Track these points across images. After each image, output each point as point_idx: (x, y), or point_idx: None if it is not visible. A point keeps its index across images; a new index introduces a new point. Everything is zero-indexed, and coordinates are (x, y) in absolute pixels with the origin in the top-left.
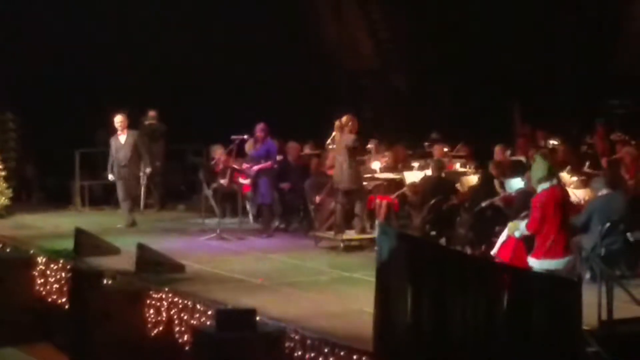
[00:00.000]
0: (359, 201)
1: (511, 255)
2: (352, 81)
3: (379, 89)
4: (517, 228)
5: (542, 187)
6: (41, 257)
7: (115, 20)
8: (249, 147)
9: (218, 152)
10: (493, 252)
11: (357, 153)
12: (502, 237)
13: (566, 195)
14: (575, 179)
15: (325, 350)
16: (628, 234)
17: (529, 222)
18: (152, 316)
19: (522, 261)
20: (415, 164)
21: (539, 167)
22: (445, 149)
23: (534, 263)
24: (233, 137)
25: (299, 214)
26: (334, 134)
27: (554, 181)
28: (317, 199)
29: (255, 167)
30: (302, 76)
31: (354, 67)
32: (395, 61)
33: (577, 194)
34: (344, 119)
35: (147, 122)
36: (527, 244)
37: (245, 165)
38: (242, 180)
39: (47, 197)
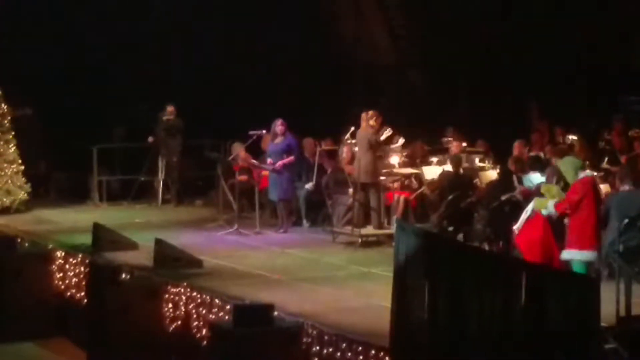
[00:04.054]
0: (375, 196)
1: (542, 234)
2: (369, 77)
3: (396, 85)
4: (545, 206)
5: (582, 174)
6: (59, 252)
7: (133, 16)
8: (265, 143)
9: (238, 149)
10: (516, 227)
11: (376, 148)
12: (527, 213)
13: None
14: (594, 174)
15: (343, 345)
16: None
17: (560, 202)
18: (170, 311)
19: (551, 241)
20: (434, 159)
21: (572, 161)
22: (464, 144)
23: (575, 255)
24: (251, 132)
25: (317, 210)
26: (352, 129)
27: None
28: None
29: (280, 163)
30: (319, 72)
31: (371, 63)
32: (413, 57)
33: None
34: (370, 112)
35: (165, 118)
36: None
37: (269, 161)
38: (263, 173)
39: (65, 192)
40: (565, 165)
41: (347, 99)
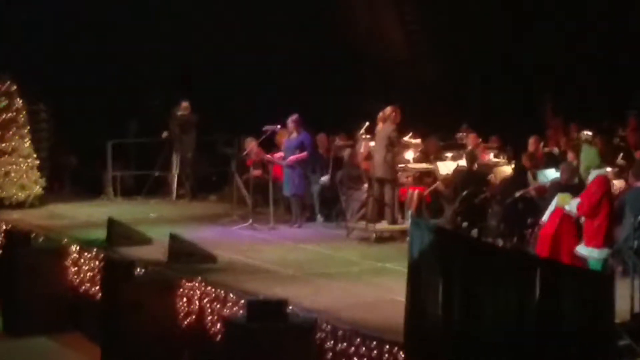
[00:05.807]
0: (390, 191)
1: (557, 226)
2: (382, 72)
3: (409, 80)
4: (567, 202)
5: (597, 172)
6: (73, 247)
7: (148, 12)
8: (280, 138)
9: (251, 144)
10: (543, 219)
11: (394, 144)
12: (551, 208)
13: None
14: (609, 170)
15: (357, 341)
16: None
17: (581, 204)
18: (184, 306)
19: (569, 235)
20: (449, 155)
21: (589, 154)
22: (479, 140)
23: (592, 252)
24: (265, 127)
25: (331, 205)
26: (366, 124)
27: (605, 169)
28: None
29: (292, 158)
30: (332, 67)
31: (384, 58)
32: (426, 52)
33: (615, 184)
34: (387, 110)
35: (179, 113)
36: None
37: (277, 156)
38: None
39: (80, 187)
40: (586, 156)
41: (360, 94)
